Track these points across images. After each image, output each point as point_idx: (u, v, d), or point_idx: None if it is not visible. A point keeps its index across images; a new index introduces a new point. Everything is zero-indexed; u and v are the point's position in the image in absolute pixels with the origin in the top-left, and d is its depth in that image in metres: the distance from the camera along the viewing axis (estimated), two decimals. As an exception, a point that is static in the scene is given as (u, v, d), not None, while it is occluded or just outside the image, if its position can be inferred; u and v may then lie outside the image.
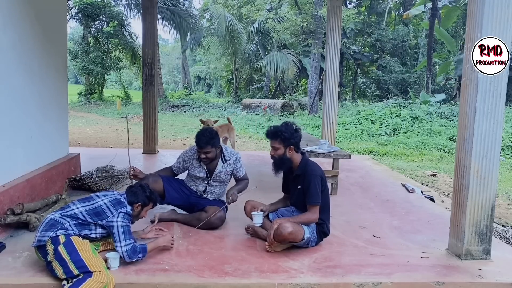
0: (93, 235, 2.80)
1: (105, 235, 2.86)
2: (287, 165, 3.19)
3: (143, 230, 3.25)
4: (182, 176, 3.89)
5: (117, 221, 2.73)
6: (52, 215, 2.74)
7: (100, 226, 2.78)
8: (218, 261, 2.95)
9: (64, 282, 2.49)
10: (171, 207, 3.85)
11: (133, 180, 3.65)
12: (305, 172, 3.13)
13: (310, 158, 4.81)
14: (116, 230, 2.71)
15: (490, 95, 2.90)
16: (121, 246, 2.71)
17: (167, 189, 3.66)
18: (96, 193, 2.96)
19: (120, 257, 2.80)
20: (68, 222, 2.69)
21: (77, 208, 2.77)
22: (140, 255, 2.78)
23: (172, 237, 3.13)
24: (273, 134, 3.14)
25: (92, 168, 4.96)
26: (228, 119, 7.05)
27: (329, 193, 3.26)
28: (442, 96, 16.21)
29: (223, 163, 3.69)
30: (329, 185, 4.79)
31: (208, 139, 3.51)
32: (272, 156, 3.22)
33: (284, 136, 3.09)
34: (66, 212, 2.75)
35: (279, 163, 3.20)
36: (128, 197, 2.89)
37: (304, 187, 3.12)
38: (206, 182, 3.73)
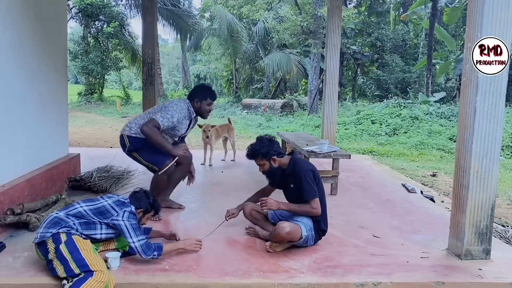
0: (98, 236, 2.78)
1: (111, 236, 2.85)
2: (279, 173, 3.28)
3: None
4: None
5: (123, 220, 2.73)
6: (56, 213, 2.74)
7: (106, 225, 2.77)
8: (218, 261, 2.95)
9: (64, 281, 2.48)
10: None
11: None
12: (294, 170, 3.19)
13: (310, 158, 4.86)
14: (125, 228, 2.72)
15: (490, 95, 2.90)
16: (133, 242, 2.70)
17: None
18: (101, 195, 2.99)
19: (121, 256, 2.81)
20: (73, 221, 2.69)
21: (81, 207, 2.79)
22: (155, 253, 2.75)
23: (199, 240, 3.08)
24: (252, 155, 3.24)
25: (92, 168, 4.95)
26: (229, 119, 7.06)
27: (323, 185, 3.27)
28: (442, 95, 16.19)
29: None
30: (329, 185, 4.84)
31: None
32: (262, 172, 3.33)
33: (262, 152, 3.19)
34: (71, 211, 2.76)
35: (271, 175, 3.33)
36: (131, 202, 2.90)
37: (297, 184, 3.15)
38: (177, 139, 4.01)
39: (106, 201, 2.85)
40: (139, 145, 3.82)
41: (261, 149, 3.19)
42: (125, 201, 2.89)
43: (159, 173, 3.80)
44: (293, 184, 3.21)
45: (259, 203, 3.25)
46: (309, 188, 3.08)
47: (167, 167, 3.75)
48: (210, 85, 4.07)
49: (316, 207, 3.09)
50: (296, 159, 3.28)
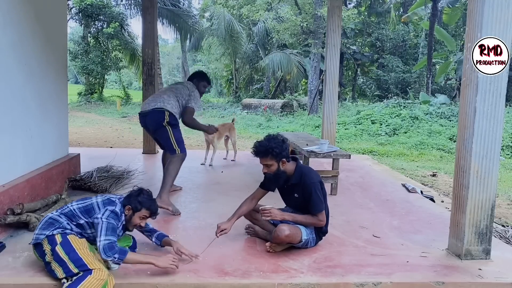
0: (87, 235, 2.73)
1: None
2: (283, 178, 3.12)
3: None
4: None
5: (101, 218, 2.64)
6: (51, 214, 2.74)
7: (92, 224, 2.70)
8: (218, 261, 2.95)
9: (64, 280, 2.49)
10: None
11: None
12: (303, 181, 3.07)
13: (310, 158, 4.86)
14: (100, 226, 2.61)
15: (490, 95, 2.90)
16: (100, 241, 2.58)
17: None
18: (96, 195, 2.95)
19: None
20: (66, 221, 2.68)
21: (72, 206, 2.76)
22: (116, 256, 2.58)
23: (176, 259, 2.77)
24: (264, 152, 3.00)
25: (92, 168, 4.96)
26: (233, 120, 7.13)
27: (326, 193, 3.25)
28: (443, 99, 16.19)
29: None
30: (329, 185, 4.84)
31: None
32: (265, 173, 3.12)
33: (275, 151, 2.98)
34: (64, 210, 2.75)
35: (275, 179, 3.12)
36: (124, 199, 2.85)
37: (305, 196, 3.07)
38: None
39: (96, 199, 2.78)
40: (176, 122, 4.24)
41: (275, 148, 2.97)
42: (115, 200, 2.81)
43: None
44: (298, 194, 3.14)
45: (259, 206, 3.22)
46: (319, 202, 3.03)
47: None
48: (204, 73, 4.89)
49: (323, 219, 3.07)
50: (302, 168, 3.16)
